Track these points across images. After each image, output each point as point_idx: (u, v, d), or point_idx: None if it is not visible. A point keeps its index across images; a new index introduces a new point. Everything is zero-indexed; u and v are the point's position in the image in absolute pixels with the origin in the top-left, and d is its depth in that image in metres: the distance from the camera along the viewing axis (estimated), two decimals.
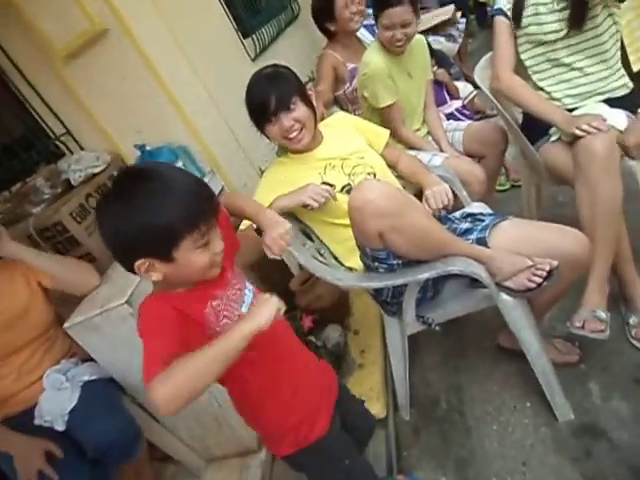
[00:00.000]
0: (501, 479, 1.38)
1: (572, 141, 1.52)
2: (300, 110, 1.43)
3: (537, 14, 1.60)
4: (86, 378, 1.52)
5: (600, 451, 1.32)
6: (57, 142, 2.11)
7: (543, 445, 1.40)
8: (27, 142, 2.07)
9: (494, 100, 1.72)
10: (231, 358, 0.75)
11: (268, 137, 1.52)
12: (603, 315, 1.45)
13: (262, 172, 2.30)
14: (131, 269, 0.82)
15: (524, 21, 1.63)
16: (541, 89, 1.71)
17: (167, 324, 0.80)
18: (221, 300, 0.90)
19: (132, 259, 0.80)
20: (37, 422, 1.45)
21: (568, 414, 1.42)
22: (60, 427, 1.42)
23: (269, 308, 0.80)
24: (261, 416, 1.00)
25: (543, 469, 1.35)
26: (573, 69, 1.63)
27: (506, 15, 1.67)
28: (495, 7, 1.72)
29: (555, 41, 1.61)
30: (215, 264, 0.86)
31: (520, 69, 1.72)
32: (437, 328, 1.40)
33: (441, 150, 2.05)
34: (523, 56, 1.70)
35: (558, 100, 1.68)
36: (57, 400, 1.45)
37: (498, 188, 2.52)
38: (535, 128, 1.72)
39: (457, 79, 2.98)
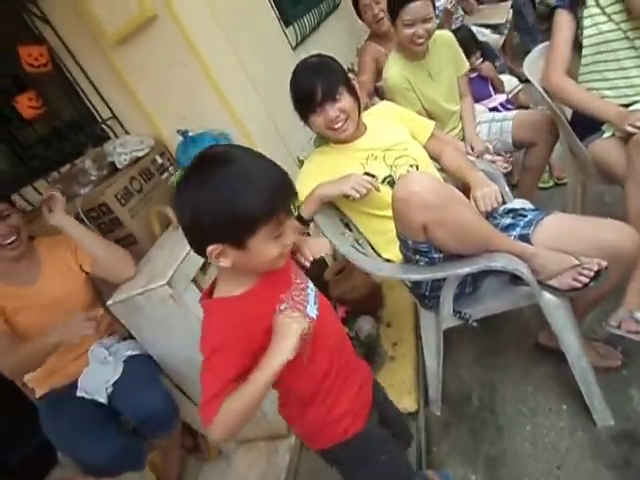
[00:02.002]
0: None
1: (627, 137, 1.46)
2: (345, 100, 1.42)
3: None
4: (129, 353, 1.59)
5: None
6: (104, 126, 2.18)
7: (579, 449, 1.37)
8: (76, 125, 2.14)
9: (544, 94, 1.67)
10: (268, 387, 0.80)
11: (311, 127, 1.51)
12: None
13: (300, 161, 2.32)
14: (202, 252, 0.81)
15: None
16: (594, 84, 1.64)
17: (233, 337, 0.81)
18: (287, 303, 0.88)
19: (205, 243, 0.79)
20: (79, 394, 1.52)
21: (607, 419, 1.38)
22: (102, 399, 1.49)
23: (292, 339, 0.79)
24: (305, 413, 0.99)
25: (578, 474, 1.32)
26: (636, 55, 1.56)
27: (571, 7, 1.60)
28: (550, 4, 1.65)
29: (619, 30, 1.54)
30: (283, 255, 0.85)
31: (575, 60, 1.66)
32: (474, 324, 1.39)
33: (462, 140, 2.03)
34: (585, 41, 1.61)
35: (612, 97, 1.62)
36: (101, 373, 1.52)
37: (541, 185, 2.44)
38: (585, 124, 1.67)
39: (502, 72, 2.90)
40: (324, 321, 0.95)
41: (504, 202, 1.63)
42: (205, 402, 0.80)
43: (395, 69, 2.01)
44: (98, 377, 1.52)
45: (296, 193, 0.84)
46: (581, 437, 1.40)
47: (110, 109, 2.16)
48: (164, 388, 1.56)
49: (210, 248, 0.79)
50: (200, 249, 0.81)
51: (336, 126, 1.44)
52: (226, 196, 0.76)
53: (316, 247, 1.07)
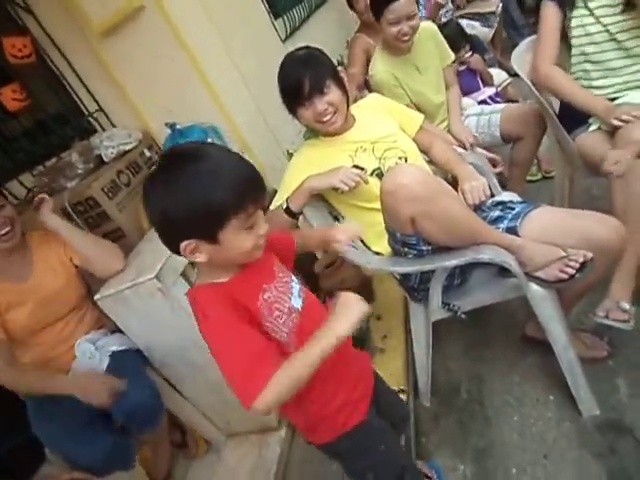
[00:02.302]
0: (521, 470, 1.37)
1: (612, 131, 1.48)
2: (334, 94, 1.42)
3: None
4: (114, 348, 1.58)
5: (625, 448, 1.30)
6: (90, 119, 2.15)
7: (566, 439, 1.39)
8: (62, 118, 2.11)
9: (532, 87, 1.67)
10: (324, 360, 0.80)
11: (299, 120, 1.51)
12: (627, 306, 1.41)
13: (289, 154, 2.31)
14: (176, 250, 0.82)
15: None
16: (585, 78, 1.65)
17: (230, 313, 0.80)
18: (271, 293, 0.89)
19: (178, 240, 0.79)
20: None
21: (593, 409, 1.40)
22: None
23: (355, 316, 0.81)
24: (303, 407, 0.98)
25: (565, 463, 1.34)
26: (625, 56, 1.57)
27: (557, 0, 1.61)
28: None
29: (606, 32, 1.55)
30: (258, 246, 0.85)
31: (563, 52, 1.66)
32: (463, 316, 1.39)
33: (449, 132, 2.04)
34: (574, 41, 1.63)
35: (600, 88, 1.63)
36: (87, 368, 1.50)
37: (529, 178, 2.45)
38: (572, 117, 1.68)
39: (491, 66, 2.91)
40: (311, 315, 0.94)
41: (492, 195, 1.64)
42: (243, 380, 0.78)
43: (381, 66, 2.01)
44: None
45: (264, 185, 0.84)
46: (568, 427, 1.42)
47: (96, 102, 2.14)
48: (150, 382, 1.56)
49: (183, 244, 0.79)
50: (173, 246, 0.81)
51: (324, 119, 1.44)
52: (193, 190, 0.76)
53: (349, 232, 1.12)
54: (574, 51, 1.65)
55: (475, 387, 1.66)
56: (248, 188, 0.80)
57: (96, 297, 1.55)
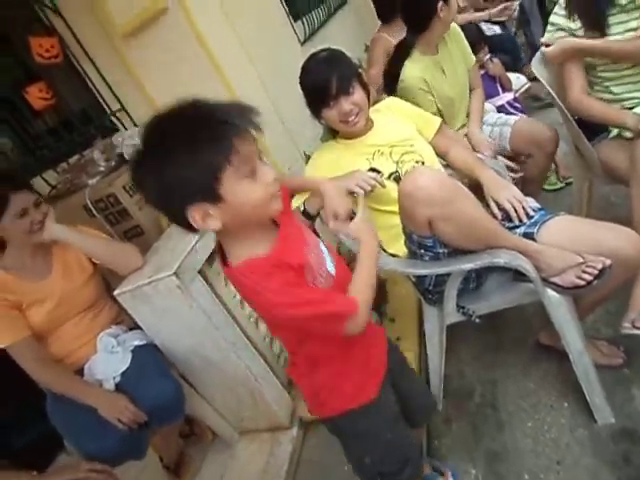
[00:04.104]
0: (534, 476, 1.36)
1: (632, 138, 1.47)
2: (358, 94, 1.43)
3: None
4: (136, 343, 1.61)
5: (639, 458, 1.29)
6: (112, 117, 2.20)
7: (580, 446, 1.38)
8: (85, 116, 2.16)
9: (552, 92, 1.67)
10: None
11: (322, 120, 1.52)
12: None
13: (307, 157, 2.33)
14: (188, 225, 0.77)
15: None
16: (608, 91, 1.65)
17: (287, 275, 0.80)
18: (311, 256, 0.88)
19: (182, 211, 0.74)
20: (86, 379, 1.56)
21: (608, 417, 1.39)
22: (110, 387, 1.51)
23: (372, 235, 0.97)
24: (314, 374, 0.97)
25: (578, 470, 1.33)
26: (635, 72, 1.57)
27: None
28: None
29: None
30: (273, 196, 0.79)
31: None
32: (477, 320, 1.39)
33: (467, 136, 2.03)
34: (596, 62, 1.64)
35: (623, 101, 1.62)
36: (110, 362, 1.54)
37: (548, 187, 2.43)
38: (592, 124, 1.67)
39: (509, 70, 2.89)
40: (344, 282, 0.93)
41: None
42: (336, 309, 0.84)
43: (411, 71, 1.96)
44: (106, 366, 1.55)
45: (256, 122, 0.75)
46: (581, 434, 1.41)
47: (119, 101, 2.19)
48: (173, 378, 1.59)
49: (190, 212, 0.74)
50: (182, 219, 0.76)
51: (349, 119, 1.45)
52: (176, 151, 0.71)
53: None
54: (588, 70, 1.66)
55: (489, 391, 1.66)
56: (231, 127, 0.73)
57: (115, 292, 1.59)
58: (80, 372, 1.58)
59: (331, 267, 0.93)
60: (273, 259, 0.80)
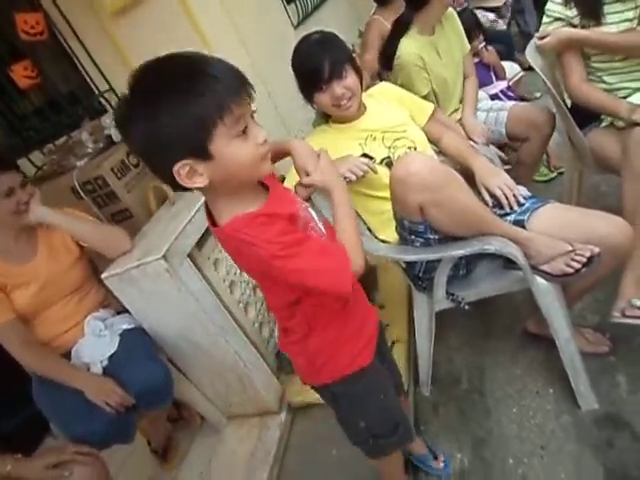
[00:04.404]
0: (518, 461, 1.38)
1: (624, 127, 1.47)
2: (351, 78, 1.41)
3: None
4: (124, 326, 1.59)
5: (622, 443, 1.31)
6: (101, 98, 2.15)
7: (564, 432, 1.40)
8: (73, 97, 2.12)
9: (546, 80, 1.66)
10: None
11: (314, 104, 1.50)
12: (639, 302, 1.42)
13: None
14: (172, 180, 0.74)
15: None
16: (602, 80, 1.65)
17: (287, 222, 0.81)
18: (302, 214, 0.88)
19: (169, 165, 0.72)
20: (73, 362, 1.54)
21: (592, 403, 1.41)
22: (97, 371, 1.50)
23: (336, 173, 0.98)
24: (309, 341, 0.97)
25: (562, 455, 1.35)
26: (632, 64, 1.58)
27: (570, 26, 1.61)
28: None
29: None
30: (263, 157, 0.78)
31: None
32: (466, 307, 1.40)
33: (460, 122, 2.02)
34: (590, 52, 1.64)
35: (616, 90, 1.62)
36: (97, 346, 1.53)
37: (539, 178, 2.44)
38: (584, 112, 1.67)
39: (503, 58, 2.88)
40: (330, 237, 0.94)
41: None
42: (334, 268, 0.83)
43: (408, 47, 1.94)
44: (93, 349, 1.53)
45: (246, 83, 0.75)
46: (566, 420, 1.43)
47: (107, 81, 2.14)
48: (162, 362, 1.58)
49: (176, 167, 0.72)
50: (167, 174, 0.74)
51: (342, 103, 1.43)
52: (170, 102, 0.69)
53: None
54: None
55: (476, 378, 1.67)
56: (228, 86, 0.71)
57: (103, 276, 1.57)
58: (67, 356, 1.56)
59: (319, 226, 0.93)
60: (266, 212, 0.79)
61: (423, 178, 1.14)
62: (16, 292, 1.49)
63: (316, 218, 0.94)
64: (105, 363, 1.53)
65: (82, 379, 1.47)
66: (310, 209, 0.95)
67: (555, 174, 2.46)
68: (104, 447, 1.45)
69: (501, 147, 2.12)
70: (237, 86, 0.73)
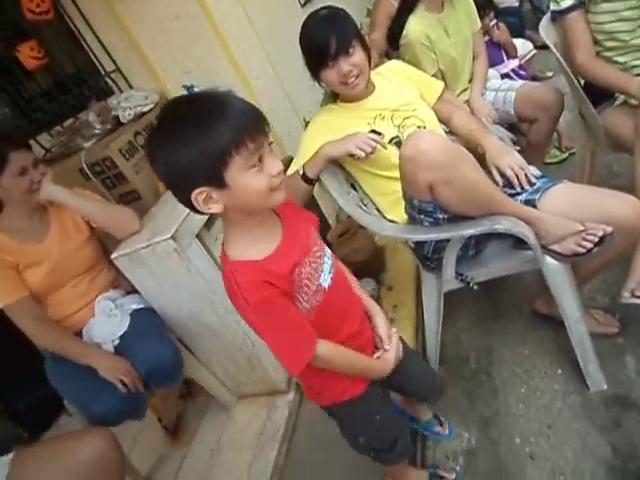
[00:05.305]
0: (525, 440, 1.39)
1: (638, 105, 1.44)
2: (358, 55, 1.39)
3: None
4: (134, 306, 1.61)
5: (630, 422, 1.31)
6: (107, 79, 2.14)
7: (571, 411, 1.40)
8: (79, 78, 2.10)
9: (559, 57, 1.62)
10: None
11: (321, 82, 1.48)
12: None
13: (306, 122, 2.29)
14: (190, 204, 0.80)
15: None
16: (613, 61, 1.61)
17: (273, 294, 0.83)
18: (304, 269, 0.88)
19: (188, 190, 0.78)
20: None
21: (600, 384, 1.41)
22: (109, 349, 1.52)
23: None
24: (309, 371, 0.98)
25: (569, 434, 1.36)
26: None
27: (578, 6, 1.56)
28: (560, 7, 1.60)
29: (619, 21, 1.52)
30: (275, 188, 0.82)
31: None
32: (475, 287, 1.39)
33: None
34: (601, 27, 1.59)
35: (629, 69, 1.59)
36: (108, 325, 1.55)
37: (550, 160, 2.40)
38: (598, 91, 1.63)
39: (515, 36, 2.81)
40: (335, 295, 0.95)
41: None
42: (291, 354, 0.88)
43: (415, 25, 1.91)
44: (104, 329, 1.55)
45: (263, 119, 0.80)
46: (574, 400, 1.43)
47: (114, 61, 2.12)
48: (171, 341, 1.60)
49: (194, 194, 0.78)
50: (186, 200, 0.80)
51: (349, 81, 1.41)
52: (189, 134, 0.74)
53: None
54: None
55: (484, 358, 1.68)
56: (244, 121, 0.77)
57: (112, 256, 1.58)
58: (78, 335, 1.58)
59: (326, 280, 0.93)
60: (260, 269, 0.83)
61: (433, 156, 1.12)
62: (28, 271, 1.50)
63: (327, 264, 0.95)
64: (116, 342, 1.55)
65: (96, 356, 1.49)
66: (326, 253, 0.96)
67: (566, 155, 2.42)
68: (118, 423, 1.48)
69: (510, 129, 2.09)
70: (254, 123, 0.78)
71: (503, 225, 1.21)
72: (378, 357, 1.04)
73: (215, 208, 0.80)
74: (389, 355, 1.03)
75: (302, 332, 0.88)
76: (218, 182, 0.77)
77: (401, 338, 1.16)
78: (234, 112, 0.77)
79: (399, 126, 1.49)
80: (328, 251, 0.98)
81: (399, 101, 1.52)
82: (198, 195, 0.78)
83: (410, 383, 1.22)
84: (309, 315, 0.91)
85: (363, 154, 1.35)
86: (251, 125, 0.77)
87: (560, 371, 1.52)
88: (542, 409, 1.45)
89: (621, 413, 1.35)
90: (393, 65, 1.69)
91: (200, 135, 0.74)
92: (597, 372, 1.40)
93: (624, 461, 1.24)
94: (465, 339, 1.78)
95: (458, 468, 1.41)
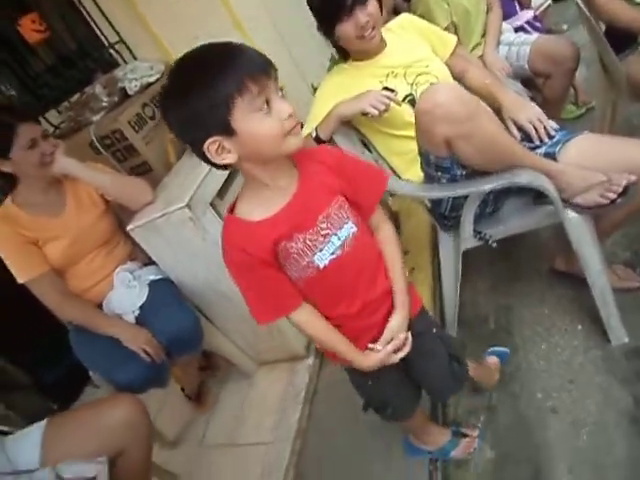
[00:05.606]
0: (546, 394, 1.39)
1: None
2: (372, 5, 1.34)
3: None
4: (152, 277, 1.62)
5: None
6: (111, 51, 2.11)
7: (593, 365, 1.40)
8: (83, 50, 2.07)
9: (580, 3, 1.56)
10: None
11: (333, 40, 1.43)
12: None
13: (314, 88, 2.24)
14: (206, 158, 0.80)
15: None
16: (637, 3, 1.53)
17: (245, 261, 0.85)
18: (295, 244, 0.85)
19: (200, 142, 0.77)
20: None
21: (622, 337, 1.40)
22: (130, 320, 1.55)
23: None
24: None
25: (590, 388, 1.36)
26: None
27: None
28: None
29: None
30: (288, 132, 0.78)
31: None
32: (494, 245, 1.37)
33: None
34: None
35: None
36: (128, 296, 1.57)
37: (566, 116, 2.33)
38: (620, 37, 1.57)
39: None
40: (337, 271, 0.90)
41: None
42: (257, 307, 0.91)
43: None
44: (124, 300, 1.57)
45: (265, 61, 0.78)
46: (595, 354, 1.42)
47: (117, 33, 2.08)
48: (191, 309, 1.61)
49: (206, 144, 0.77)
50: (200, 151, 0.79)
51: (366, 34, 1.36)
52: (193, 84, 0.74)
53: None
54: None
55: (503, 318, 1.67)
56: (245, 65, 0.75)
57: (128, 227, 1.59)
58: (100, 308, 1.60)
59: (323, 260, 0.88)
60: (245, 234, 0.84)
61: (450, 109, 1.09)
62: (48, 246, 1.51)
63: (329, 250, 0.88)
64: (137, 313, 1.57)
65: (119, 327, 1.51)
66: (335, 238, 0.88)
67: (584, 110, 2.35)
68: (143, 391, 1.51)
69: (525, 84, 2.02)
70: (256, 65, 0.76)
71: (523, 178, 1.18)
72: (371, 349, 0.99)
73: (229, 158, 0.79)
74: (374, 356, 0.98)
75: (274, 293, 0.89)
76: (226, 129, 0.76)
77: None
78: (236, 58, 0.75)
79: (412, 84, 1.45)
80: (348, 231, 0.90)
81: (411, 57, 1.47)
82: (210, 145, 0.77)
83: (425, 380, 1.19)
84: (298, 282, 0.90)
85: (377, 112, 1.32)
86: (253, 68, 0.75)
87: (580, 327, 1.51)
88: (563, 365, 1.44)
89: None
90: (404, 20, 1.63)
91: (202, 84, 0.74)
92: (619, 325, 1.39)
93: None
94: (483, 301, 1.77)
95: (480, 425, 1.42)
